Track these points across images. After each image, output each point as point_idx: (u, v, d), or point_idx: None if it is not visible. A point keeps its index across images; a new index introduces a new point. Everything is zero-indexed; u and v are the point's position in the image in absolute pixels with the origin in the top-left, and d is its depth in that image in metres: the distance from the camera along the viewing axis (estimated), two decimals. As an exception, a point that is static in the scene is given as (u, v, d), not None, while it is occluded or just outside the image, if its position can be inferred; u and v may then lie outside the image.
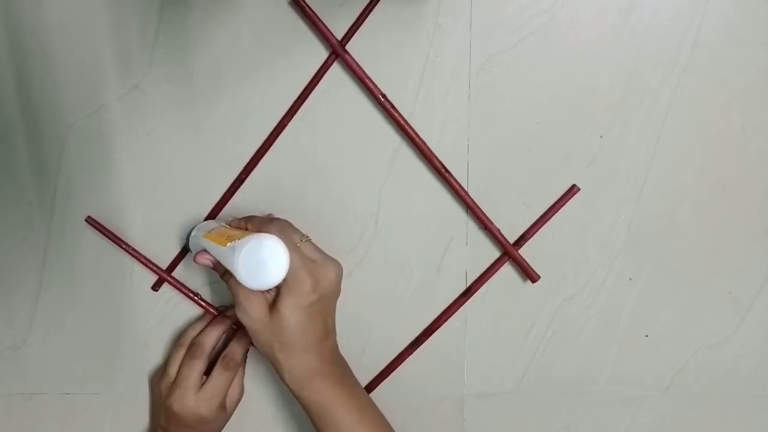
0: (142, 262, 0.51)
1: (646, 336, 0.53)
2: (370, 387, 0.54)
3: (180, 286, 0.51)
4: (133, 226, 0.51)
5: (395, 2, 0.47)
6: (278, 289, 0.42)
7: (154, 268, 0.51)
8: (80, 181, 0.50)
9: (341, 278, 0.45)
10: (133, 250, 0.50)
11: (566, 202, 0.49)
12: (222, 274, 0.45)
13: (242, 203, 0.50)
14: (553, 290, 0.52)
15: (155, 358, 0.54)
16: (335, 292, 0.45)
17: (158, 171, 0.50)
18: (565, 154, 0.49)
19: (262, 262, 0.39)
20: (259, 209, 0.50)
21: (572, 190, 0.49)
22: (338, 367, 0.45)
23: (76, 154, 0.50)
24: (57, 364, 0.54)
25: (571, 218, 0.50)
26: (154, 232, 0.51)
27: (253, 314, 0.42)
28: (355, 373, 0.53)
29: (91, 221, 0.50)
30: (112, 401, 0.55)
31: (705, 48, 0.47)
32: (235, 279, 0.40)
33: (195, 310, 0.53)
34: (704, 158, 0.49)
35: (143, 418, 0.55)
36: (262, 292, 0.42)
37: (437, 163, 0.48)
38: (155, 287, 0.52)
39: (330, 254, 0.51)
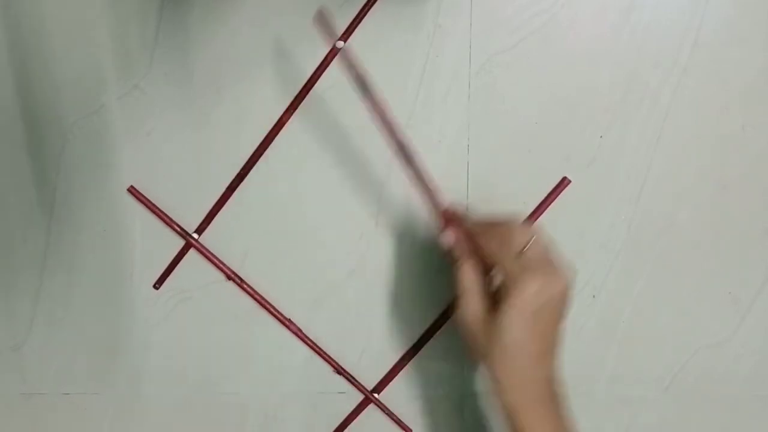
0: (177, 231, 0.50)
1: (646, 336, 0.53)
2: (376, 389, 0.54)
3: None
4: (134, 225, 0.51)
5: (395, 2, 0.47)
6: (499, 293, 0.39)
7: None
8: (80, 181, 0.50)
9: (571, 288, 0.39)
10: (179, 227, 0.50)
11: (557, 195, 0.49)
12: (455, 259, 0.42)
13: (241, 203, 0.50)
14: (553, 290, 0.52)
15: (155, 358, 0.54)
16: (563, 303, 0.39)
17: (158, 171, 0.50)
18: (565, 154, 0.49)
19: None
20: (258, 208, 0.50)
21: (563, 183, 0.49)
22: (559, 403, 0.40)
23: (76, 154, 0.50)
24: (57, 364, 0.54)
25: (571, 218, 0.50)
26: (154, 231, 0.51)
27: (470, 311, 0.40)
28: (355, 374, 0.53)
29: (133, 191, 0.50)
30: (112, 401, 0.55)
31: (705, 48, 0.47)
32: (468, 272, 0.40)
33: (194, 311, 0.53)
34: (704, 158, 0.49)
35: (143, 418, 0.55)
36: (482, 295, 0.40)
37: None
38: (157, 285, 0.52)
39: (330, 255, 0.51)
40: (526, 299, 0.37)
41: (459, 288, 0.41)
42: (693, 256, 0.51)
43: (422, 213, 0.50)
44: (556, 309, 0.39)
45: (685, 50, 0.47)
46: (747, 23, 0.47)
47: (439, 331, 0.52)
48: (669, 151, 0.49)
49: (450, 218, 0.43)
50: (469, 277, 0.42)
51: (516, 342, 0.38)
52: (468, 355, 0.41)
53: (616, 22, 0.47)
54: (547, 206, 0.50)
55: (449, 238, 0.43)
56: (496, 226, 0.41)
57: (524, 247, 0.39)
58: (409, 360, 0.53)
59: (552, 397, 0.40)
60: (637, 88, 0.48)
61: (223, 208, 0.50)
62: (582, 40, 0.47)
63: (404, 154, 0.43)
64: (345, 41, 0.47)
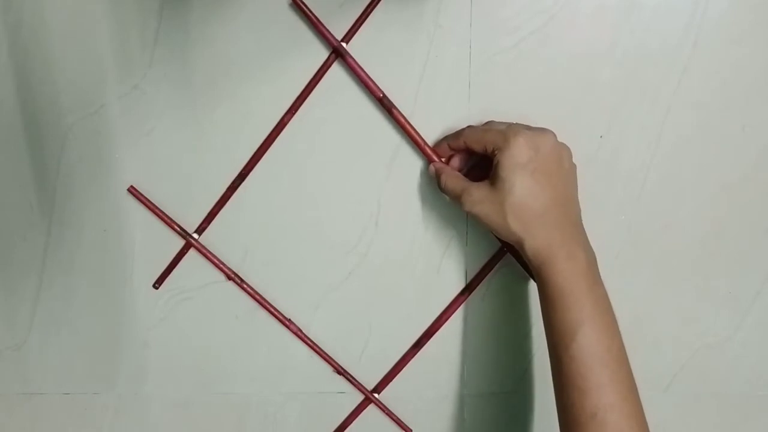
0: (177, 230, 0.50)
1: (646, 336, 0.53)
2: (376, 389, 0.54)
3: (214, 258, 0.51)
4: (134, 225, 0.51)
5: (395, 2, 0.47)
6: (495, 161, 0.42)
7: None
8: (80, 181, 0.50)
9: (559, 145, 0.43)
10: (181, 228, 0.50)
11: None
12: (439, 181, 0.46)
13: (241, 203, 0.50)
14: (553, 290, 0.52)
15: (155, 358, 0.54)
16: (555, 153, 0.42)
17: (158, 171, 0.50)
18: (565, 154, 0.49)
19: None
20: (259, 209, 0.50)
21: None
22: (583, 252, 0.42)
23: (76, 155, 0.50)
24: (57, 364, 0.54)
25: (571, 218, 0.50)
26: (154, 231, 0.51)
27: (476, 196, 0.42)
28: (355, 373, 0.53)
29: (133, 191, 0.50)
30: (112, 401, 0.55)
31: (705, 48, 0.47)
32: (452, 178, 0.44)
33: (194, 311, 0.53)
34: (704, 158, 0.49)
35: (143, 418, 0.55)
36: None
37: (437, 161, 0.48)
38: (156, 284, 0.52)
39: (330, 255, 0.51)
40: (516, 153, 0.41)
41: (456, 192, 0.44)
42: (693, 256, 0.51)
43: (422, 212, 0.50)
44: (550, 157, 0.42)
45: (685, 50, 0.47)
46: (747, 23, 0.47)
47: (439, 331, 0.52)
48: (669, 151, 0.49)
49: (439, 153, 0.48)
50: (454, 179, 0.45)
51: (523, 193, 0.41)
52: (500, 236, 0.44)
53: (616, 22, 0.47)
54: None
55: (431, 169, 0.48)
56: (479, 128, 0.45)
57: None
58: (409, 360, 0.53)
59: (578, 252, 0.41)
60: (637, 88, 0.48)
61: (223, 208, 0.50)
62: (582, 40, 0.47)
63: (386, 105, 0.47)
64: (347, 43, 0.47)
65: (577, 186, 0.44)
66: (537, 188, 0.41)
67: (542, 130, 0.43)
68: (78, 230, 0.51)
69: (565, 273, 0.41)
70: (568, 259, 0.41)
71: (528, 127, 0.43)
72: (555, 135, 0.43)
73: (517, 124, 0.45)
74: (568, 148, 0.44)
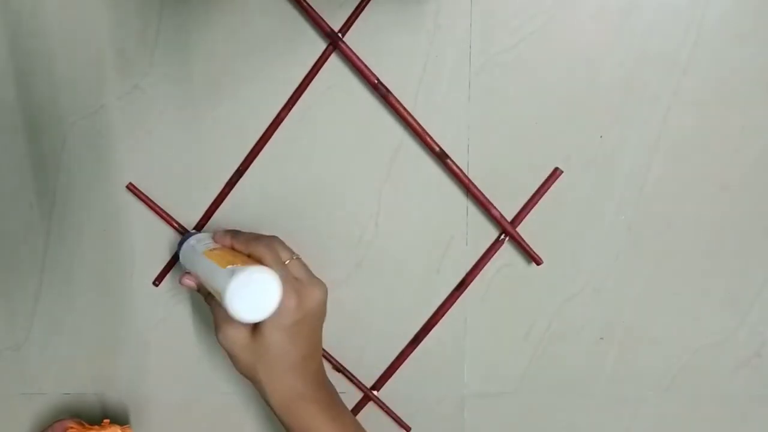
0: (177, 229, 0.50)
1: (646, 336, 0.53)
2: (374, 388, 0.54)
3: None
4: (134, 225, 0.51)
5: (395, 2, 0.47)
6: None
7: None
8: (80, 182, 0.50)
9: (326, 300, 0.44)
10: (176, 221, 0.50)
11: (549, 186, 0.49)
12: (205, 296, 0.45)
13: (240, 202, 0.50)
14: (554, 290, 0.52)
15: (155, 358, 0.54)
16: (320, 313, 0.44)
17: (158, 171, 0.50)
18: (565, 154, 0.49)
19: (255, 294, 0.37)
20: (258, 207, 0.50)
21: (555, 174, 0.49)
22: (324, 391, 0.45)
23: (76, 155, 0.50)
24: (57, 364, 0.54)
25: (571, 218, 0.50)
26: (154, 230, 0.51)
27: (233, 337, 0.42)
28: (355, 374, 0.53)
29: (132, 188, 0.50)
30: (112, 401, 0.55)
31: (705, 48, 0.47)
32: (218, 302, 0.39)
33: (194, 310, 0.53)
34: (704, 158, 0.49)
35: (143, 418, 0.55)
36: None
37: (436, 148, 0.48)
38: (156, 282, 0.52)
39: (329, 254, 0.51)
40: (284, 315, 0.40)
41: (216, 321, 0.43)
42: (693, 256, 0.51)
43: (422, 212, 0.50)
44: (314, 318, 0.43)
45: (685, 50, 0.47)
46: (747, 23, 0.47)
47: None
48: (669, 151, 0.49)
49: (222, 239, 0.45)
50: (216, 307, 0.43)
51: (280, 354, 0.41)
52: (240, 372, 0.44)
53: (616, 22, 0.47)
54: (540, 197, 0.49)
55: (188, 283, 0.45)
56: (260, 242, 0.43)
57: (287, 261, 0.43)
58: (407, 356, 0.53)
59: (318, 395, 0.44)
60: (637, 88, 0.48)
61: (221, 206, 0.50)
62: (582, 40, 0.47)
63: (381, 92, 0.47)
64: (343, 36, 0.47)
65: (322, 327, 0.45)
66: (291, 346, 0.42)
67: (312, 283, 0.43)
68: (78, 230, 0.51)
69: (309, 414, 0.43)
70: (310, 402, 0.43)
71: (302, 280, 0.43)
72: (324, 287, 0.44)
73: (299, 265, 0.44)
74: (326, 292, 0.44)
